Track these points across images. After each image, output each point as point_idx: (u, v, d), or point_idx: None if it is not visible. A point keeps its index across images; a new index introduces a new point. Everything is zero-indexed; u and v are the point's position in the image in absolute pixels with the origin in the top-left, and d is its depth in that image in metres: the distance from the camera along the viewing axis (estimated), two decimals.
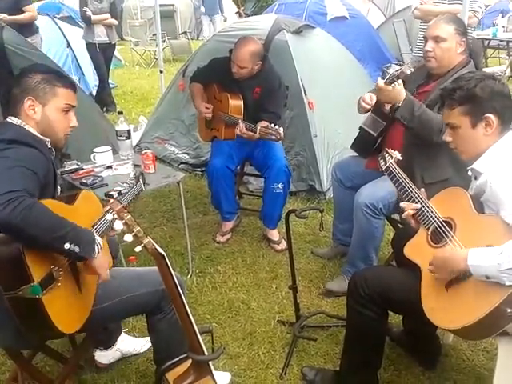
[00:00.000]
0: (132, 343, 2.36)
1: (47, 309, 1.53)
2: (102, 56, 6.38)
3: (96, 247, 1.66)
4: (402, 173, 2.01)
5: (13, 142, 1.63)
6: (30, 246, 1.50)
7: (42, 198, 1.59)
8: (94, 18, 6.17)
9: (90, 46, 6.33)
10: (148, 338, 2.34)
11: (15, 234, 1.48)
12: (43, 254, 1.56)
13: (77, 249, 1.56)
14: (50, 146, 1.83)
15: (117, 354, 2.31)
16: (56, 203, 1.68)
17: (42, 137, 1.79)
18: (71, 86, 1.87)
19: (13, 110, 1.78)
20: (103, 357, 2.29)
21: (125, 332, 2.38)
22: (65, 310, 1.63)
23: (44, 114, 1.79)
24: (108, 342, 2.29)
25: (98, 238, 1.69)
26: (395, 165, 2.05)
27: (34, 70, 1.82)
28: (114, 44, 6.66)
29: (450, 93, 1.78)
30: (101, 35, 6.27)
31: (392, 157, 2.08)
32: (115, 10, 6.49)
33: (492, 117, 1.73)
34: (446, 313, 1.68)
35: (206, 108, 3.34)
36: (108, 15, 6.28)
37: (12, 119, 1.77)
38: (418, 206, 1.89)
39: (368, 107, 2.60)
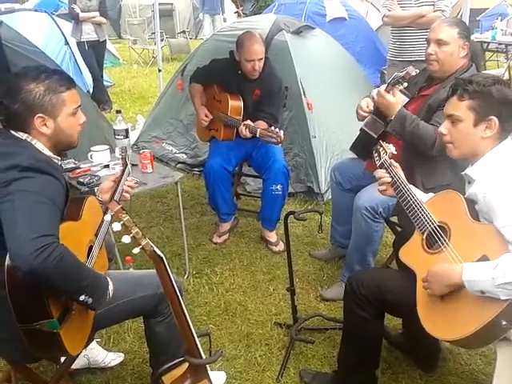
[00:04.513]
0: (101, 354, 2.28)
1: (63, 340, 1.53)
2: (93, 54, 6.34)
3: (107, 293, 1.64)
4: (395, 170, 2.00)
5: (27, 169, 1.50)
6: (47, 290, 1.47)
7: None
8: (82, 15, 6.15)
9: (80, 45, 6.31)
10: (119, 354, 2.34)
11: (37, 280, 1.42)
12: None
13: (90, 300, 1.55)
14: (60, 163, 1.74)
15: (83, 361, 2.23)
16: (70, 227, 1.63)
17: (51, 155, 1.68)
18: (72, 84, 1.72)
19: (17, 126, 1.64)
20: None
21: (97, 341, 2.32)
22: (76, 335, 1.63)
23: (57, 126, 1.67)
24: None
25: (111, 284, 1.67)
26: (389, 161, 2.03)
27: (29, 79, 1.62)
28: (104, 41, 6.62)
29: (465, 84, 1.75)
30: (89, 32, 6.24)
31: (386, 152, 2.06)
32: (104, 9, 6.45)
33: (496, 120, 1.71)
34: (441, 323, 1.67)
35: (206, 116, 3.30)
36: (97, 13, 6.26)
37: (19, 134, 1.64)
38: (389, 179, 1.98)
39: (365, 115, 2.60)
